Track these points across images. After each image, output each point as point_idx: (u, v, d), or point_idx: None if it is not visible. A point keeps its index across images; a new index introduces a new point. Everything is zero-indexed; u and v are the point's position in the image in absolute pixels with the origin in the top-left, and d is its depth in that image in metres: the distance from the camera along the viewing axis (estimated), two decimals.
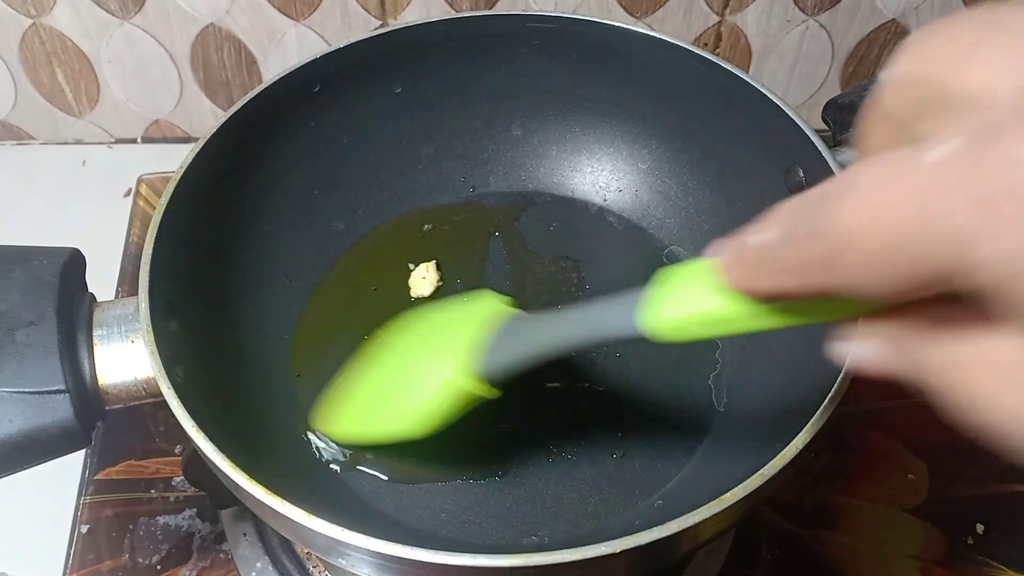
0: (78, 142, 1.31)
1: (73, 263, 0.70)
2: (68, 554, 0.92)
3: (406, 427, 0.75)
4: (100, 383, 0.68)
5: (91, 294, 0.72)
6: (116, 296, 1.09)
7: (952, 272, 0.35)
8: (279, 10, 1.17)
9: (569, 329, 0.66)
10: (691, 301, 0.53)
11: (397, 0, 1.17)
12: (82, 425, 0.66)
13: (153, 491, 0.96)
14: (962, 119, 0.38)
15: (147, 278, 0.69)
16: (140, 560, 0.92)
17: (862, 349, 0.45)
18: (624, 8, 1.21)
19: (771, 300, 0.47)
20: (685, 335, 0.54)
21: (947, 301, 0.38)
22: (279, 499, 0.59)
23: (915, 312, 0.41)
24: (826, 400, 0.64)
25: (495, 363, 0.70)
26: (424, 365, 0.76)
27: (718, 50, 1.27)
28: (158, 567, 0.92)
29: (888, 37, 1.28)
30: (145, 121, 1.30)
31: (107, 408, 0.69)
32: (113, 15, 1.16)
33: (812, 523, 0.96)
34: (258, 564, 0.91)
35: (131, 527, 0.94)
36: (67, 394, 0.64)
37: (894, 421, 1.03)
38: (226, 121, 0.82)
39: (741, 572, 0.92)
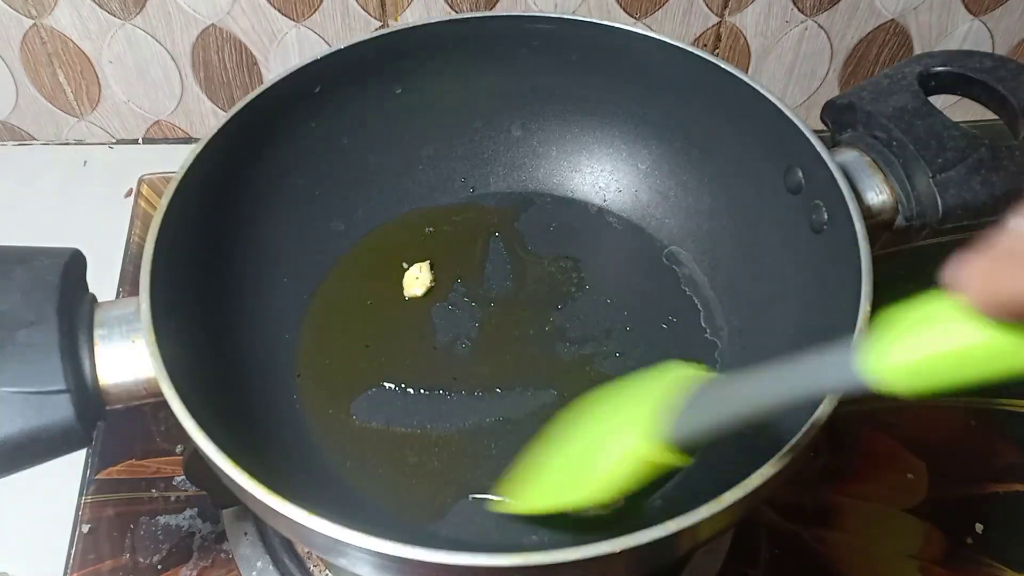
0: (79, 143, 1.31)
1: (74, 263, 0.70)
2: (69, 554, 0.92)
3: (591, 495, 0.71)
4: (101, 383, 0.68)
5: (92, 294, 0.72)
6: (117, 296, 1.09)
7: None
8: (280, 11, 1.17)
9: (771, 387, 0.59)
10: (932, 338, 0.45)
11: (397, 1, 1.18)
12: (83, 425, 0.65)
13: (154, 491, 0.96)
14: None
15: (148, 278, 0.69)
16: (141, 560, 0.92)
17: None
18: (624, 9, 1.21)
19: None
20: (925, 383, 0.46)
21: None
22: (279, 498, 0.59)
23: None
24: (826, 400, 0.64)
25: (687, 428, 0.64)
26: (612, 435, 0.71)
27: (717, 51, 1.27)
28: (159, 567, 0.92)
29: (887, 37, 1.28)
30: (146, 122, 1.30)
31: (108, 408, 0.69)
32: (114, 16, 1.16)
33: (812, 523, 0.96)
34: (259, 563, 0.91)
35: (132, 527, 0.94)
36: (68, 394, 0.64)
37: (894, 421, 1.03)
38: (227, 122, 0.82)
39: (741, 572, 0.92)
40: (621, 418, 0.71)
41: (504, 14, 0.94)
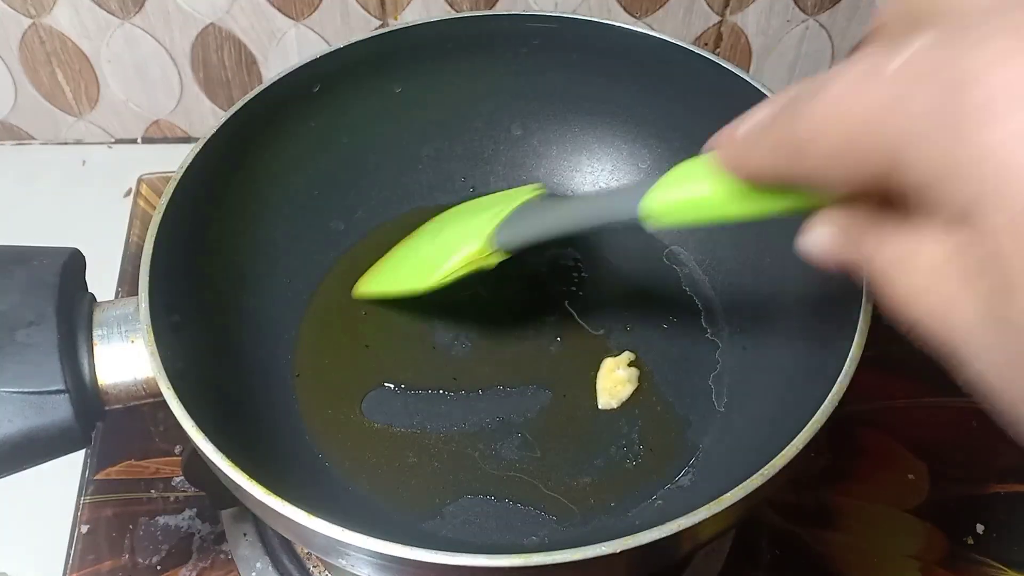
0: (78, 142, 1.31)
1: (73, 263, 0.71)
2: (68, 554, 0.92)
3: (422, 281, 0.83)
4: (100, 383, 0.68)
5: (91, 294, 0.72)
6: (116, 296, 1.09)
7: (890, 171, 0.39)
8: (279, 10, 1.17)
9: (577, 210, 0.74)
10: (685, 186, 0.58)
11: (397, 0, 1.17)
12: (81, 425, 0.66)
13: (153, 491, 0.96)
14: (940, 26, 0.39)
15: (147, 278, 0.70)
16: (140, 560, 0.92)
17: (817, 236, 0.50)
18: (624, 8, 1.21)
19: (752, 184, 0.51)
20: (676, 218, 0.60)
21: (894, 201, 0.42)
22: (278, 499, 0.59)
23: (865, 207, 0.45)
24: (826, 400, 0.64)
25: (510, 235, 0.77)
26: (453, 231, 0.85)
27: (718, 50, 1.27)
28: (158, 567, 0.92)
29: None
30: (145, 121, 1.30)
31: (107, 408, 0.69)
32: (113, 15, 1.16)
33: (812, 523, 0.96)
34: (258, 564, 0.91)
35: (131, 527, 0.94)
36: (67, 394, 0.64)
37: (894, 421, 1.03)
38: (226, 121, 0.82)
39: (741, 572, 0.92)
40: (463, 220, 0.86)
41: (504, 13, 0.94)
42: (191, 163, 0.79)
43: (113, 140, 1.32)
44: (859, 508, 0.97)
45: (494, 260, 0.78)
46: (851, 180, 0.42)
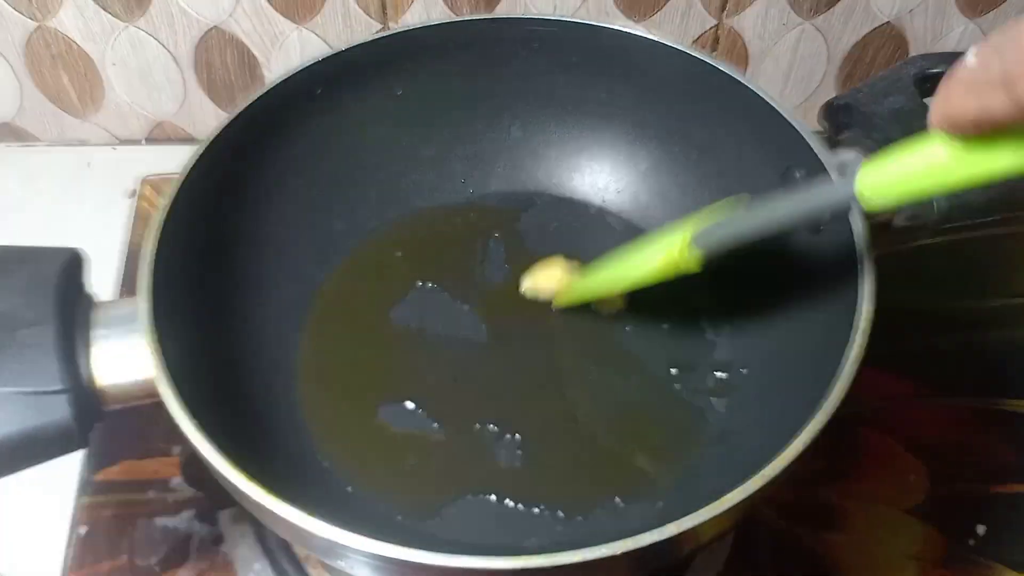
0: (82, 144, 1.31)
1: (73, 263, 0.70)
2: (66, 555, 0.92)
3: (624, 281, 0.85)
4: (99, 383, 0.68)
5: (90, 295, 0.72)
6: (118, 297, 1.09)
7: None
8: (281, 14, 1.17)
9: (780, 205, 0.71)
10: (904, 156, 0.58)
11: (398, 3, 1.18)
12: (80, 426, 0.66)
13: (152, 492, 0.96)
14: None
15: (147, 279, 0.70)
16: (139, 561, 0.92)
17: None
18: (622, 11, 1.21)
19: (979, 134, 0.50)
20: (897, 192, 0.60)
21: None
22: (278, 500, 0.60)
23: None
24: (827, 401, 0.65)
25: (711, 236, 0.75)
26: (660, 238, 0.82)
27: (715, 53, 1.27)
28: (157, 568, 0.91)
29: (883, 40, 1.28)
30: (149, 123, 1.30)
31: (105, 409, 0.69)
32: (117, 18, 1.16)
33: (812, 523, 0.96)
34: (256, 565, 0.91)
35: (130, 528, 0.94)
36: (66, 394, 0.64)
37: (894, 421, 1.03)
38: (228, 123, 0.83)
39: (741, 572, 0.92)
40: (660, 236, 0.82)
41: (504, 17, 0.95)
42: (193, 165, 0.79)
43: (117, 142, 1.32)
44: (859, 508, 0.97)
45: (694, 263, 0.77)
46: None
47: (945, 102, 0.50)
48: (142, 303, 0.68)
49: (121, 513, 0.95)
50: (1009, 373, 1.08)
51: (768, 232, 0.72)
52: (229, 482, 0.61)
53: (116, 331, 0.69)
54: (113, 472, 0.97)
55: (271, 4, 1.16)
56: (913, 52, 1.30)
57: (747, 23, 1.24)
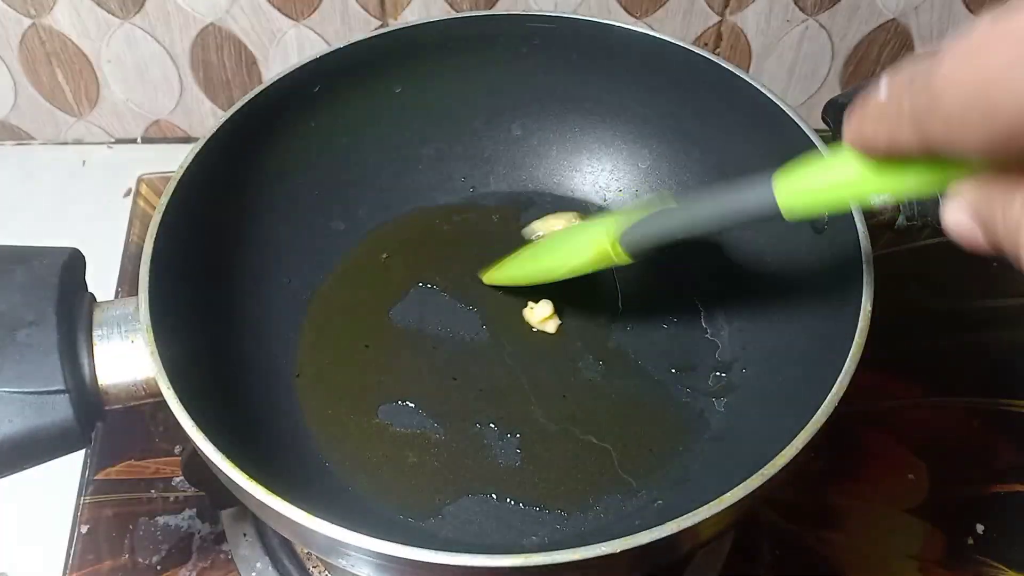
0: (78, 142, 1.31)
1: (73, 263, 0.70)
2: (68, 554, 0.92)
3: (552, 272, 0.87)
4: (100, 383, 0.68)
5: (91, 294, 0.72)
6: (116, 296, 1.09)
7: None
8: (279, 10, 1.17)
9: (708, 209, 0.71)
10: (818, 173, 0.60)
11: (397, 0, 1.17)
12: (81, 425, 0.65)
13: (153, 491, 0.96)
14: None
15: (147, 278, 0.70)
16: (140, 560, 0.92)
17: (955, 210, 0.49)
18: (624, 8, 1.21)
19: (888, 158, 0.52)
20: (814, 205, 0.62)
21: None
22: (280, 499, 0.60)
23: (1006, 174, 0.45)
24: (826, 400, 0.65)
25: (637, 235, 0.77)
26: (579, 232, 0.87)
27: (718, 50, 1.27)
28: (158, 567, 0.92)
29: (888, 37, 1.28)
30: (145, 121, 1.30)
31: (107, 408, 0.69)
32: (113, 15, 1.16)
33: (812, 523, 0.96)
34: (258, 564, 0.91)
35: (131, 527, 0.94)
36: (67, 394, 0.64)
37: (894, 421, 1.03)
38: (225, 121, 0.83)
39: (741, 572, 0.92)
40: (591, 225, 0.86)
41: (504, 13, 0.94)
42: (191, 163, 0.79)
43: (113, 140, 1.32)
44: (859, 508, 0.97)
45: (624, 256, 0.78)
46: (985, 141, 0.42)
47: (859, 127, 0.51)
48: (142, 303, 0.68)
49: (122, 512, 0.95)
50: (1009, 373, 1.08)
51: (693, 233, 0.73)
52: (230, 480, 0.61)
53: (116, 331, 0.69)
54: (114, 471, 0.97)
55: (269, 1, 1.16)
56: (918, 49, 1.30)
57: (750, 20, 1.24)
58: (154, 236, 0.73)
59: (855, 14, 1.24)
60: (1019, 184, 0.45)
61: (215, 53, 1.22)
